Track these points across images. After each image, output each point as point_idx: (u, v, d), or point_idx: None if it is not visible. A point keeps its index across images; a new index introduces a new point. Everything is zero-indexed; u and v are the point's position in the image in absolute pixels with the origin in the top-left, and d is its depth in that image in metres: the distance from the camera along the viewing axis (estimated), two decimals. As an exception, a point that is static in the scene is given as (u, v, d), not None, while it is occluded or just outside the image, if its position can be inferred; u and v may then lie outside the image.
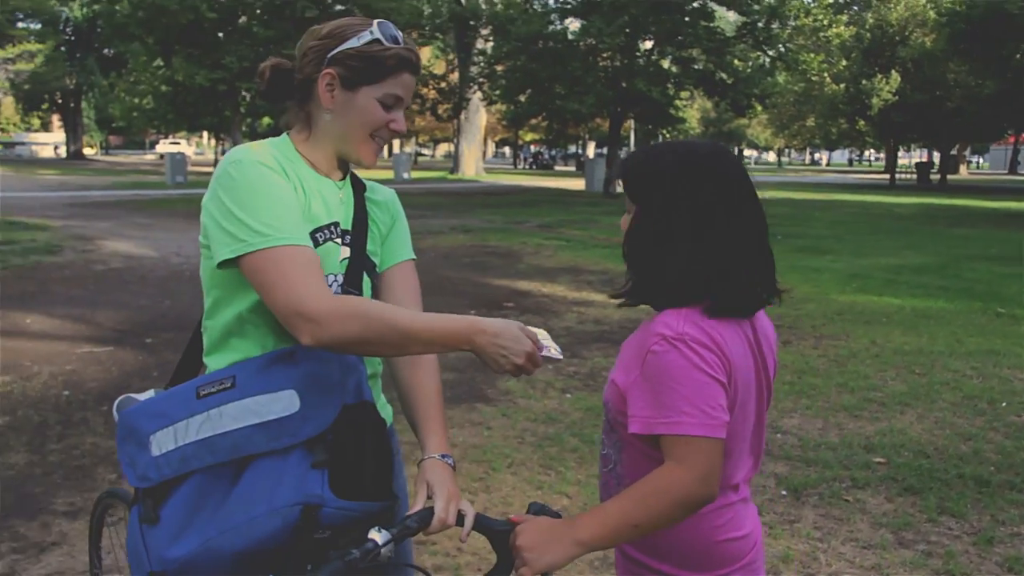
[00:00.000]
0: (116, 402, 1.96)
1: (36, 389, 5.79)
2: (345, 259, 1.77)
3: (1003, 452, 4.92)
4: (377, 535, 1.47)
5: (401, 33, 1.74)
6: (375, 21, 1.74)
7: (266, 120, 55.97)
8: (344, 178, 1.83)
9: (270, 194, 1.61)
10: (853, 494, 4.30)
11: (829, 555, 3.65)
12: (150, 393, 1.97)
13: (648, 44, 30.07)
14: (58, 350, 6.89)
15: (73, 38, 58.33)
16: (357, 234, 1.80)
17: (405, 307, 1.79)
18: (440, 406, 1.80)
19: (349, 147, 1.75)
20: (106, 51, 56.38)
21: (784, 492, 4.31)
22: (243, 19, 21.39)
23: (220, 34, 20.63)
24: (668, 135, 36.24)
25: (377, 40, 1.69)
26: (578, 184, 34.94)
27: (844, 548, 3.72)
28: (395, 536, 1.49)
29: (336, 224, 1.77)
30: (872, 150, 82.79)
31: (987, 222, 21.56)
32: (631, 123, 42.64)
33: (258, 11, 21.80)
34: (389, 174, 39.63)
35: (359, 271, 1.79)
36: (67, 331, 7.62)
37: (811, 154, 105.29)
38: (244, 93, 23.66)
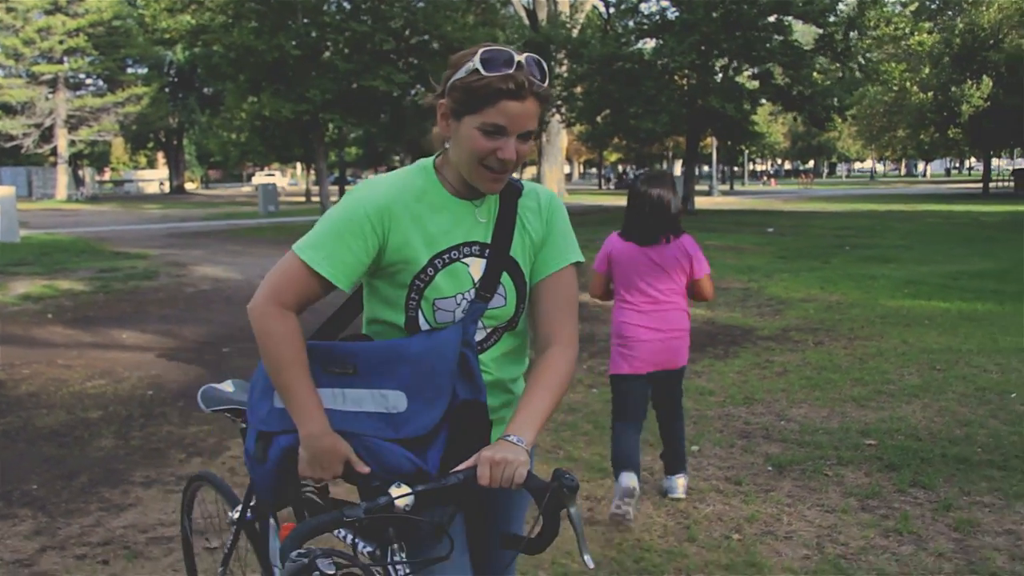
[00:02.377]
0: (200, 390, 2.40)
1: (125, 390, 6.62)
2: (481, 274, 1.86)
3: (995, 436, 5.23)
4: (395, 489, 1.62)
5: (517, 59, 1.73)
6: (481, 49, 1.76)
7: (353, 150, 57.86)
8: (483, 196, 1.89)
9: (338, 230, 1.79)
10: (835, 470, 4.71)
11: (792, 517, 4.09)
12: (228, 384, 2.40)
13: (723, 61, 30.26)
14: (147, 359, 7.75)
15: (176, 79, 61.30)
16: (495, 245, 1.87)
17: (544, 323, 1.91)
18: (541, 400, 1.81)
19: (466, 174, 1.81)
20: (205, 90, 59.07)
21: (769, 468, 4.75)
22: (326, 54, 22.50)
23: (312, 70, 21.76)
24: (748, 150, 36.23)
25: (476, 70, 1.72)
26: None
27: (809, 512, 4.15)
28: (416, 492, 1.62)
29: (472, 243, 1.86)
30: (972, 159, 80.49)
31: (1073, 228, 21.11)
32: (713, 140, 42.78)
33: (341, 45, 22.91)
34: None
35: (494, 280, 1.86)
36: (155, 343, 8.50)
37: (906, 165, 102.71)
38: (329, 124, 24.93)
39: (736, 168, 71.32)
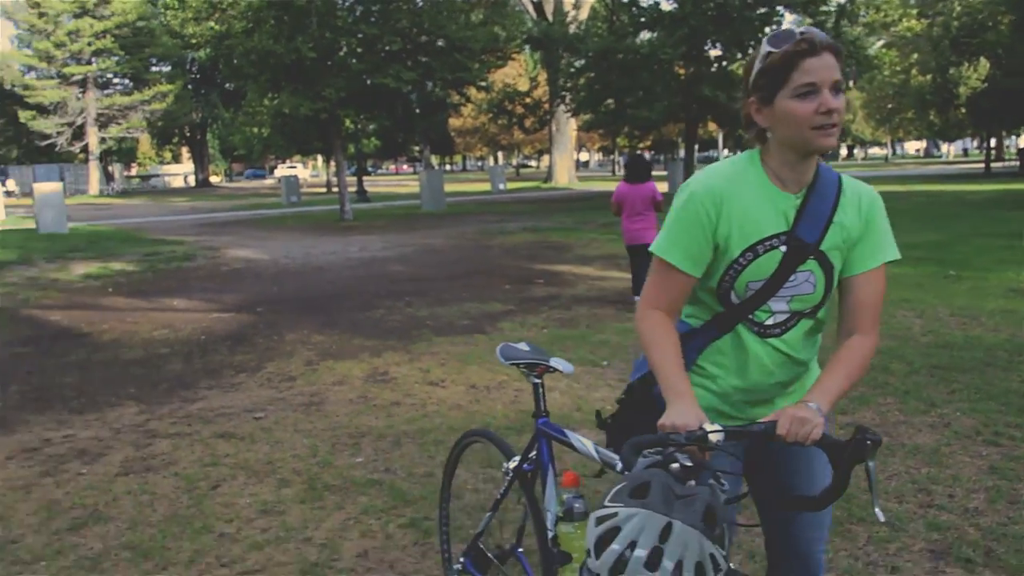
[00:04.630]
0: (499, 347, 2.74)
1: (184, 336, 8.56)
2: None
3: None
4: (708, 425, 1.77)
5: (797, 30, 1.87)
6: (764, 39, 1.92)
7: (371, 141, 59.69)
8: (802, 188, 1.98)
9: (680, 222, 1.97)
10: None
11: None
12: (523, 344, 2.76)
13: (717, 51, 31.73)
14: (196, 317, 9.69)
15: (198, 76, 63.40)
16: (806, 237, 1.96)
17: (852, 315, 2.03)
18: (839, 377, 1.95)
19: (800, 146, 1.91)
20: (227, 86, 61.13)
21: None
22: (340, 53, 24.33)
23: (328, 63, 23.54)
24: (744, 135, 37.83)
25: (768, 52, 1.88)
26: (663, 187, 36.93)
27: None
28: (726, 429, 1.77)
29: (787, 233, 1.96)
30: (993, 139, 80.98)
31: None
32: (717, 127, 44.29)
33: (353, 47, 24.72)
34: (487, 186, 42.46)
35: (790, 268, 1.96)
36: (202, 307, 10.44)
37: (927, 147, 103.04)
38: (345, 120, 26.82)
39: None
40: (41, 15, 54.44)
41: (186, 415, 5.77)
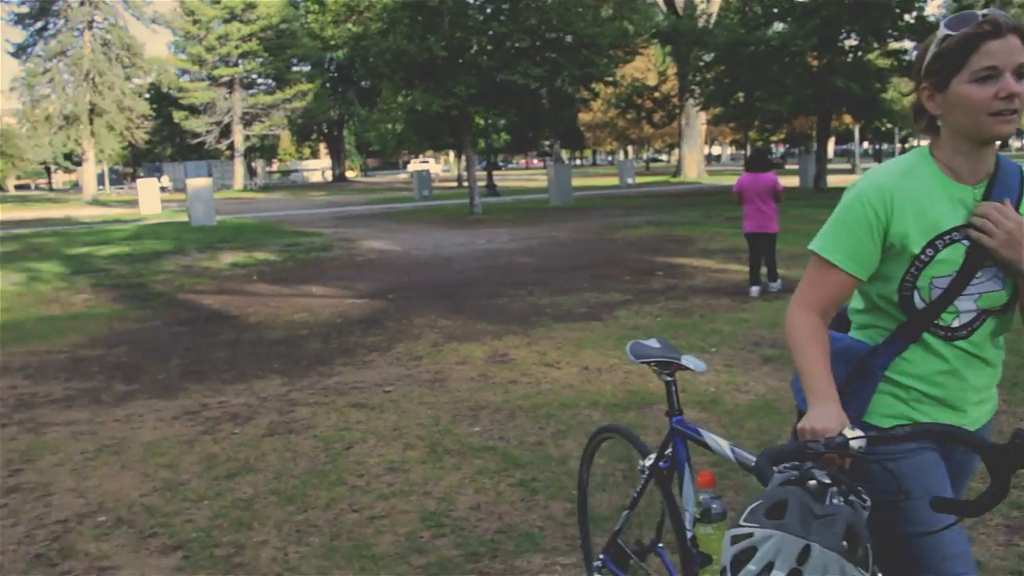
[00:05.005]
0: (629, 345, 2.70)
1: (322, 319, 9.26)
2: None
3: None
4: (850, 431, 1.71)
5: (979, 12, 1.79)
6: (944, 20, 1.83)
7: (502, 136, 60.63)
8: (981, 180, 1.90)
9: (844, 222, 1.91)
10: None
11: (756, 383, 6.14)
12: (654, 341, 2.69)
13: (853, 41, 30.94)
14: (333, 302, 10.41)
15: (336, 75, 65.78)
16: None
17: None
18: None
19: (975, 133, 1.83)
20: (363, 84, 63.17)
21: (760, 360, 6.79)
22: (471, 52, 25.03)
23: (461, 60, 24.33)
24: (881, 127, 36.74)
25: (947, 36, 1.80)
26: (794, 181, 36.27)
27: (768, 381, 6.19)
28: (868, 436, 1.71)
29: (968, 226, 1.87)
30: None
31: None
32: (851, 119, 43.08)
33: (483, 44, 25.38)
34: (615, 180, 42.64)
35: (976, 264, 1.87)
36: (338, 293, 11.17)
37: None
38: (475, 116, 27.55)
39: (901, 144, 70.14)
40: (195, 22, 57.70)
41: (323, 387, 6.37)
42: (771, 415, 5.17)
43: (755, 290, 9.69)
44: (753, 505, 1.54)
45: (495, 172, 46.77)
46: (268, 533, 3.85)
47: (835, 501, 1.55)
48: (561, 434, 5.01)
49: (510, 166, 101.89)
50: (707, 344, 7.15)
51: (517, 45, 24.58)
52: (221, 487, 4.42)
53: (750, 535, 1.50)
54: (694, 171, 45.81)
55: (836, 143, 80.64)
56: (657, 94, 37.38)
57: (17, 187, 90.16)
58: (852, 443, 1.69)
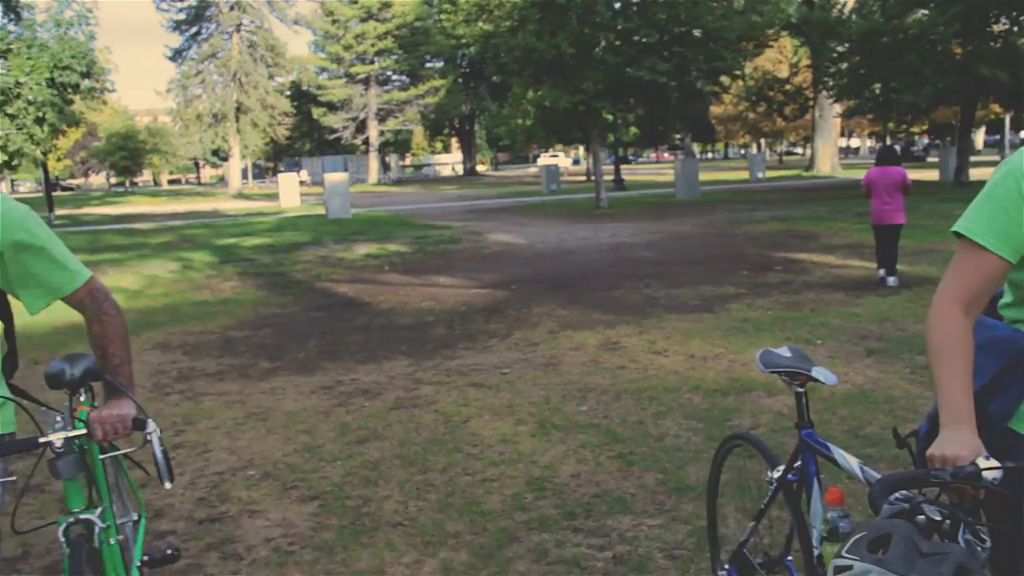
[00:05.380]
0: (759, 353, 2.65)
1: (447, 307, 9.84)
2: None
3: None
4: (983, 461, 1.58)
5: None
6: None
7: (632, 130, 60.58)
8: None
9: (994, 199, 1.78)
10: (910, 356, 6.81)
11: (877, 382, 6.32)
12: (785, 349, 2.61)
13: (1003, 25, 29.59)
14: (459, 291, 10.99)
15: (468, 70, 67.10)
16: None
17: None
18: None
19: None
20: (494, 79, 64.26)
21: (864, 352, 6.93)
22: (597, 50, 25.34)
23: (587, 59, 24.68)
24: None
25: None
26: (932, 175, 35.03)
27: (878, 375, 6.35)
28: (1005, 467, 1.58)
29: None
30: None
31: None
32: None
33: (611, 40, 25.63)
34: (745, 174, 42.12)
35: None
36: (464, 283, 11.76)
37: None
38: (602, 112, 27.83)
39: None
40: (334, 22, 60.07)
41: (446, 368, 6.91)
42: (864, 404, 5.38)
43: (892, 280, 9.83)
44: (858, 536, 1.48)
45: (625, 166, 46.86)
46: (391, 490, 4.37)
47: (948, 540, 1.46)
48: (661, 415, 5.36)
49: (640, 160, 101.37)
50: (813, 336, 7.34)
51: (644, 40, 24.75)
52: (352, 451, 4.98)
53: (850, 567, 1.44)
54: (827, 165, 44.71)
55: (987, 133, 76.99)
56: (789, 86, 36.63)
57: (169, 182, 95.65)
58: (985, 474, 1.56)
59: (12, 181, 75.93)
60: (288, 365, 7.34)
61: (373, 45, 60.26)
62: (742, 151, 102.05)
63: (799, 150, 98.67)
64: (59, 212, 33.66)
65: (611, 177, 36.60)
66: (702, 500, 3.99)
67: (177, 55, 60.73)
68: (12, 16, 27.53)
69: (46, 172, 35.28)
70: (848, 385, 5.81)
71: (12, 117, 26.46)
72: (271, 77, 61.95)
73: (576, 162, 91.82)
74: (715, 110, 61.80)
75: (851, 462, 2.22)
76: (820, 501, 2.34)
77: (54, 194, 37.37)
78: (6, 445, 2.19)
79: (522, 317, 9.00)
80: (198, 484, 4.59)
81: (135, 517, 3.14)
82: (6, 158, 27.24)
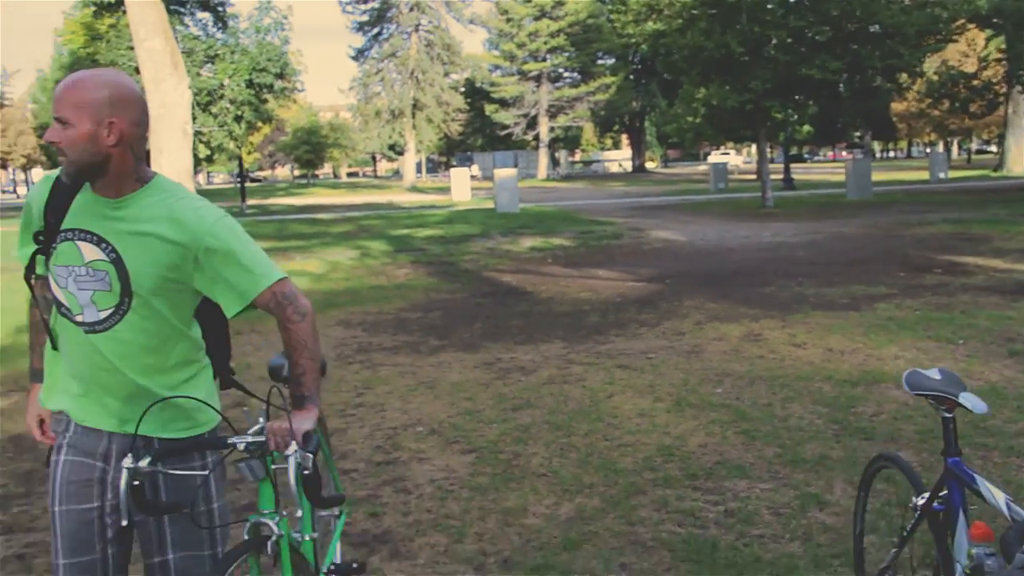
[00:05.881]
0: (906, 374, 2.60)
1: (603, 297, 10.46)
2: None
3: None
4: None
5: None
6: None
7: (805, 128, 59.09)
8: None
9: None
10: (1060, 356, 6.88)
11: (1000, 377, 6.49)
12: (935, 371, 2.56)
13: None
14: (615, 284, 11.59)
15: (639, 66, 67.24)
16: None
17: None
18: None
19: None
20: (665, 76, 64.11)
21: (1006, 353, 7.05)
22: (769, 46, 25.24)
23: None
24: None
25: None
26: None
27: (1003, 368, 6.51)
28: None
29: None
30: None
31: None
32: None
33: (783, 38, 25.45)
34: (925, 174, 40.48)
35: None
36: (621, 277, 12.33)
37: None
38: (771, 110, 27.65)
39: None
40: (508, 20, 61.58)
41: (596, 352, 7.52)
42: (992, 398, 5.62)
43: None
44: None
45: (798, 165, 45.95)
46: (538, 448, 5.04)
47: None
48: (789, 399, 5.79)
49: (815, 158, 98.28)
50: (956, 336, 7.50)
51: (817, 38, 24.47)
52: (507, 416, 5.68)
53: None
54: (1021, 165, 42.35)
55: None
56: (976, 81, 35.03)
57: (348, 174, 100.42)
58: None
59: (208, 173, 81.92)
60: (454, 343, 8.15)
61: (546, 43, 61.40)
62: (926, 149, 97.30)
63: (993, 148, 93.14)
64: (250, 202, 36.36)
65: (781, 176, 36.08)
66: (815, 472, 4.48)
67: (359, 54, 63.88)
68: (220, 25, 30.06)
69: (241, 165, 38.21)
70: (980, 382, 6.04)
71: (215, 116, 28.95)
72: (446, 75, 64.15)
73: (749, 161, 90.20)
74: (897, 107, 59.36)
75: (998, 497, 2.14)
76: (965, 534, 2.26)
77: (245, 185, 40.37)
78: (198, 441, 2.31)
79: (672, 309, 9.49)
80: (375, 436, 5.40)
81: (336, 513, 3.27)
82: (208, 152, 29.81)
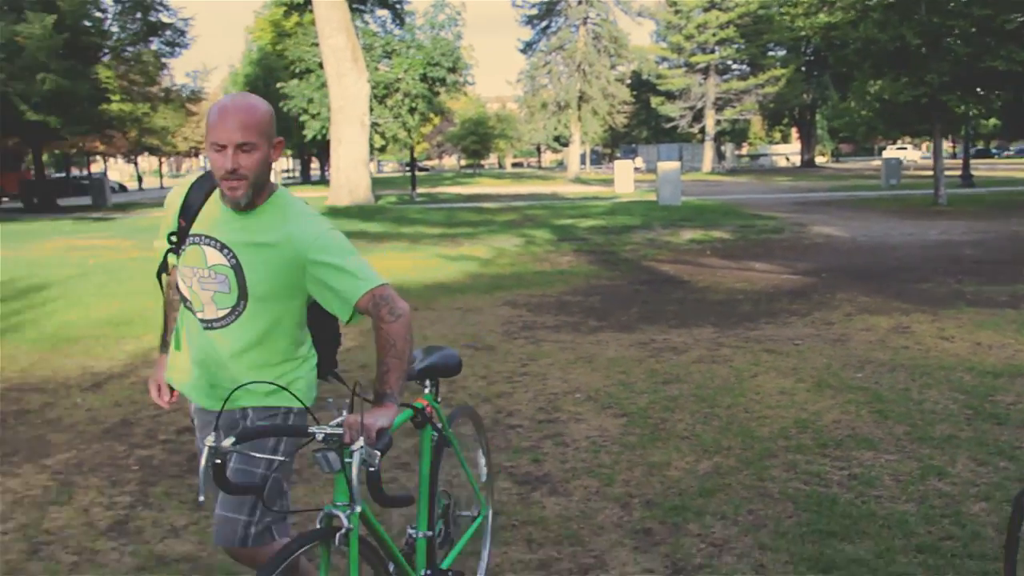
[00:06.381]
0: None
1: (757, 288, 10.83)
2: None
3: None
4: None
5: None
6: None
7: (991, 121, 56.01)
8: None
9: None
10: None
11: None
12: None
13: None
14: (771, 276, 11.91)
15: (812, 58, 65.43)
16: None
17: None
18: None
19: None
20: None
21: None
22: (951, 38, 24.38)
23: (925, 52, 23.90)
24: None
25: None
26: None
27: None
28: None
29: None
30: None
31: None
32: None
33: (967, 27, 24.50)
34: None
35: None
36: (777, 270, 12.61)
37: None
38: (949, 104, 26.61)
39: None
40: (677, 12, 61.30)
41: (745, 337, 7.97)
42: None
43: None
44: None
45: (983, 160, 43.74)
46: (683, 415, 5.61)
47: None
48: (928, 386, 6.11)
49: (1005, 153, 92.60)
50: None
51: (1005, 26, 23.44)
52: (657, 388, 6.27)
53: None
54: None
55: None
56: None
57: (513, 165, 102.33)
58: None
59: (379, 162, 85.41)
60: (612, 325, 8.77)
61: (714, 34, 60.75)
62: None
63: None
64: (419, 190, 38.02)
65: (958, 172, 34.64)
66: (940, 448, 4.88)
67: (528, 47, 65.07)
68: (398, 22, 31.71)
69: (412, 156, 39.95)
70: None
71: (390, 108, 30.56)
72: (613, 67, 64.44)
73: (927, 156, 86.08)
74: None
75: None
76: None
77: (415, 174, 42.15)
78: (280, 428, 2.40)
79: (824, 301, 9.76)
80: (538, 399, 6.11)
81: (474, 513, 3.38)
82: (383, 143, 31.50)
